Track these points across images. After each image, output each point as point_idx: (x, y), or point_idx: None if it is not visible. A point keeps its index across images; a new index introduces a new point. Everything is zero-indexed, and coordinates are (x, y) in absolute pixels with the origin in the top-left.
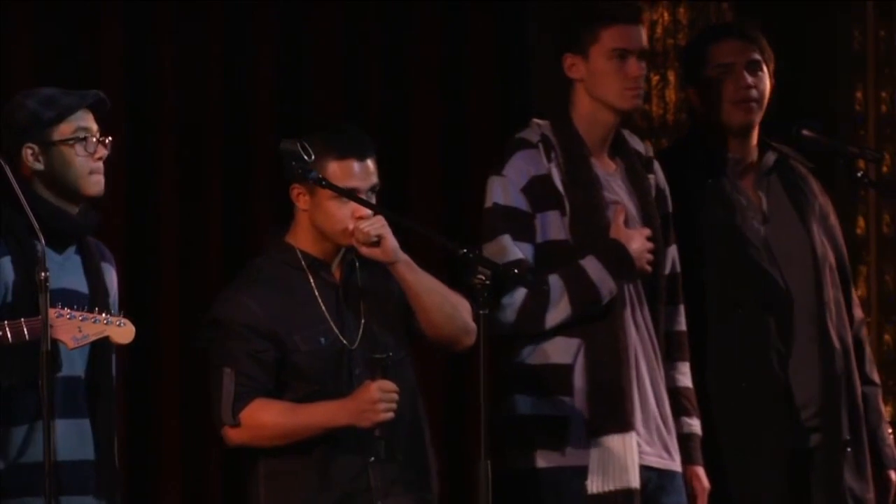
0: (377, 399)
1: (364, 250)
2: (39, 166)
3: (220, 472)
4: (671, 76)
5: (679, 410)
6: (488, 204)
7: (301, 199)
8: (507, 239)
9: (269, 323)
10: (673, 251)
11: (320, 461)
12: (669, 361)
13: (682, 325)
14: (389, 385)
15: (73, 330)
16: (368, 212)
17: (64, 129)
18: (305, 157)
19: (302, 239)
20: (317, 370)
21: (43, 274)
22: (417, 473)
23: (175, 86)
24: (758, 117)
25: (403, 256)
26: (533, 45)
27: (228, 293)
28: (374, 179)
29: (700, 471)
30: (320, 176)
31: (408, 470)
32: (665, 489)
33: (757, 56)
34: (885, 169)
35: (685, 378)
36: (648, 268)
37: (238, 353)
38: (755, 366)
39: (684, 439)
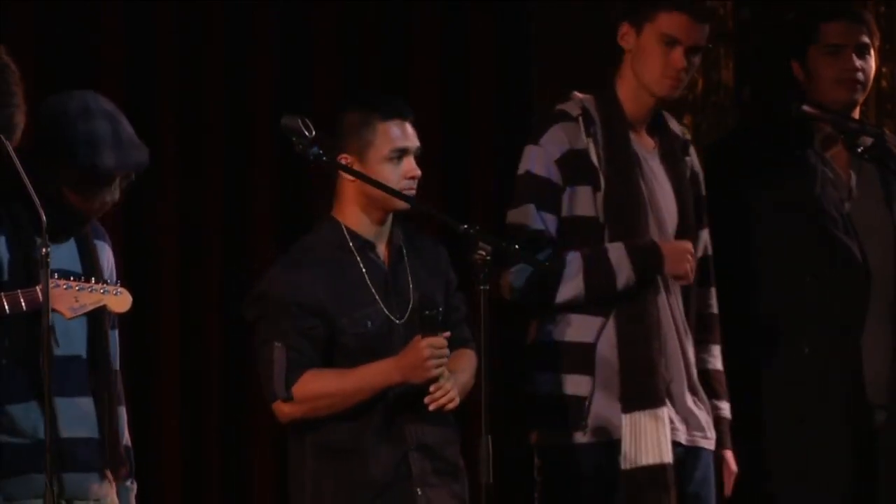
0: (427, 356)
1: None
2: (60, 182)
3: (220, 470)
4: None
5: (710, 394)
6: (521, 171)
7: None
8: (531, 208)
9: (318, 302)
10: (705, 234)
11: (359, 451)
12: (701, 344)
13: (714, 307)
14: (440, 341)
15: (70, 300)
16: (417, 171)
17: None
18: (306, 133)
19: (348, 213)
20: (363, 353)
21: (44, 249)
22: (449, 464)
23: (175, 75)
24: (861, 98)
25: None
26: (533, 44)
27: (279, 269)
28: (418, 142)
29: (729, 454)
30: (321, 152)
31: (442, 460)
32: (692, 466)
33: (866, 39)
34: None
35: (716, 361)
36: (688, 276)
37: (288, 327)
38: (820, 333)
39: (714, 423)
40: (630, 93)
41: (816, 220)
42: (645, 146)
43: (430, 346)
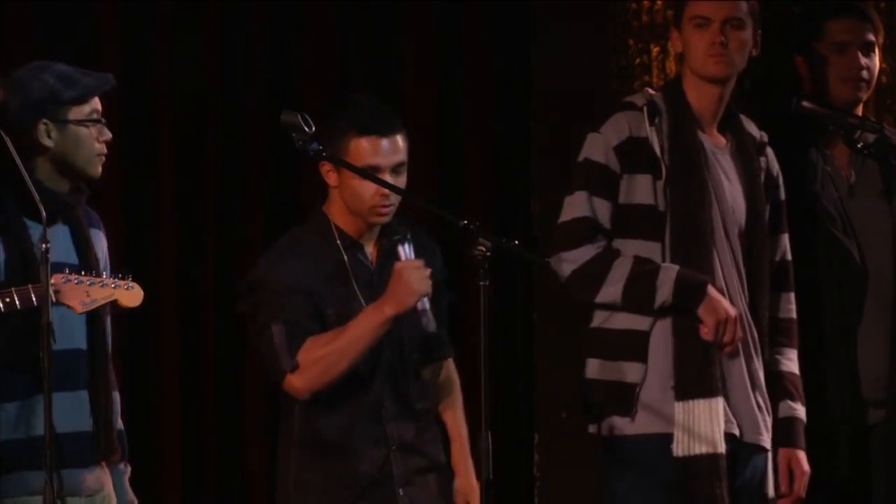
0: (402, 274)
1: None
2: (50, 143)
3: (217, 463)
4: (671, 48)
5: (784, 394)
6: (580, 158)
7: (330, 175)
8: (582, 195)
9: (308, 288)
10: (783, 239)
11: (345, 449)
12: (776, 346)
13: (792, 312)
14: (414, 262)
15: (82, 294)
16: (387, 193)
17: (81, 110)
18: (306, 129)
19: (337, 213)
20: None
21: (44, 245)
22: (430, 460)
23: (173, 71)
24: (865, 96)
25: None
26: (532, 38)
27: (269, 256)
28: (399, 157)
29: (801, 454)
30: (321, 148)
31: (423, 456)
32: (742, 462)
33: (871, 37)
34: None
35: (791, 364)
36: (708, 331)
37: (284, 306)
38: (816, 331)
39: (787, 422)
40: (693, 90)
41: (814, 217)
42: (716, 143)
43: (405, 267)
